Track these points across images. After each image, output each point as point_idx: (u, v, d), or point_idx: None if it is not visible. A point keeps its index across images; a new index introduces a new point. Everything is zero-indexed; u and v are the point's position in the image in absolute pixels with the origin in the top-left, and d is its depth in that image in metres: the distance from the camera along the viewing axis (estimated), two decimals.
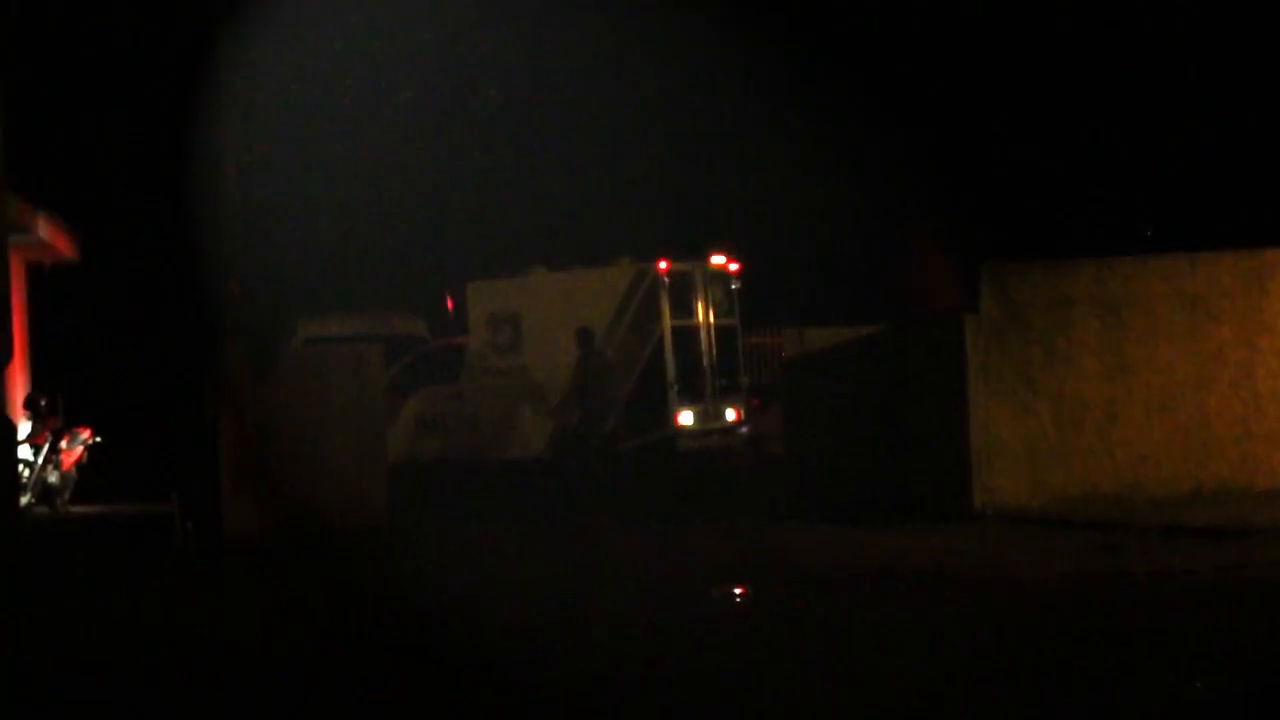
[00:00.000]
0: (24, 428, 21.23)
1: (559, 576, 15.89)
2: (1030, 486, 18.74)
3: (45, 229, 20.92)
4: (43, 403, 21.70)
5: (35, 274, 23.34)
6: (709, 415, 24.69)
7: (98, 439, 21.91)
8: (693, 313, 24.65)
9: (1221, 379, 19.06)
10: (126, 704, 10.95)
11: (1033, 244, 28.06)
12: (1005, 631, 12.08)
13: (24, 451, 20.80)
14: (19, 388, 22.05)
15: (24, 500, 20.56)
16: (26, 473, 21.06)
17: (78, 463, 21.74)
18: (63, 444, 21.54)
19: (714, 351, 24.78)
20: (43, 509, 21.34)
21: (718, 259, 25.29)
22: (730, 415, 25.04)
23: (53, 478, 21.46)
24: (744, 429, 25.45)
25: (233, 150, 19.90)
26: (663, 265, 24.20)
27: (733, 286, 25.22)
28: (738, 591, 14.81)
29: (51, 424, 21.57)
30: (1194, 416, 19.02)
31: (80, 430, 21.81)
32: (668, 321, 24.15)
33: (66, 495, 21.68)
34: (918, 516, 18.36)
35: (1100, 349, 19.01)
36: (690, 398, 24.31)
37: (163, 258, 26.32)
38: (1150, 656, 10.89)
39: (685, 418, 24.21)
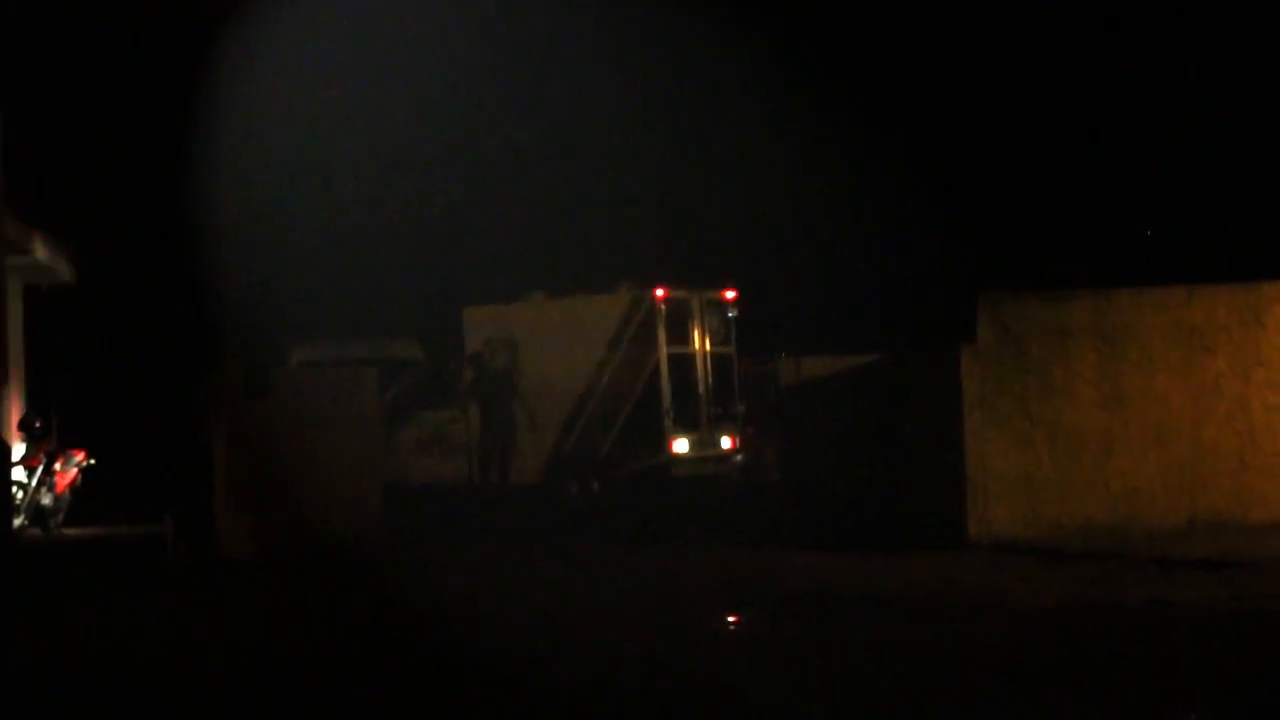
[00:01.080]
0: (18, 449, 21.18)
1: (549, 596, 15.89)
2: (1026, 516, 18.72)
3: (43, 250, 20.90)
4: (37, 424, 21.65)
5: (32, 296, 23.31)
6: (704, 443, 24.70)
7: (92, 461, 21.86)
8: (689, 340, 24.68)
9: (1217, 411, 19.06)
10: (119, 713, 10.95)
11: (1029, 271, 28.10)
12: (998, 657, 12.06)
13: (18, 473, 20.76)
14: (14, 409, 22.00)
15: (17, 522, 20.51)
16: (20, 495, 21.00)
17: (72, 485, 21.68)
18: (57, 466, 21.48)
19: (710, 379, 24.80)
20: (36, 531, 21.28)
21: (715, 287, 25.34)
22: (725, 443, 25.04)
23: (46, 500, 21.39)
24: (739, 457, 25.46)
25: (230, 175, 19.93)
26: (660, 293, 24.23)
27: (730, 314, 25.24)
28: (728, 614, 14.78)
29: (46, 446, 21.52)
30: (1189, 448, 19.00)
31: (74, 452, 21.76)
32: (664, 349, 24.19)
33: (60, 517, 21.61)
34: (913, 544, 18.33)
35: (1097, 380, 19.01)
36: (685, 425, 24.33)
37: (159, 281, 26.33)
38: (1143, 684, 10.87)
39: (680, 445, 24.23)
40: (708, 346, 24.94)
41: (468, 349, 25.41)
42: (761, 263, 32.25)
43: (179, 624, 14.43)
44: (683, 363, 24.56)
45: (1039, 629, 13.32)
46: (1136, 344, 19.07)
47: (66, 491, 21.65)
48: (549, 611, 14.65)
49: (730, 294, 25.44)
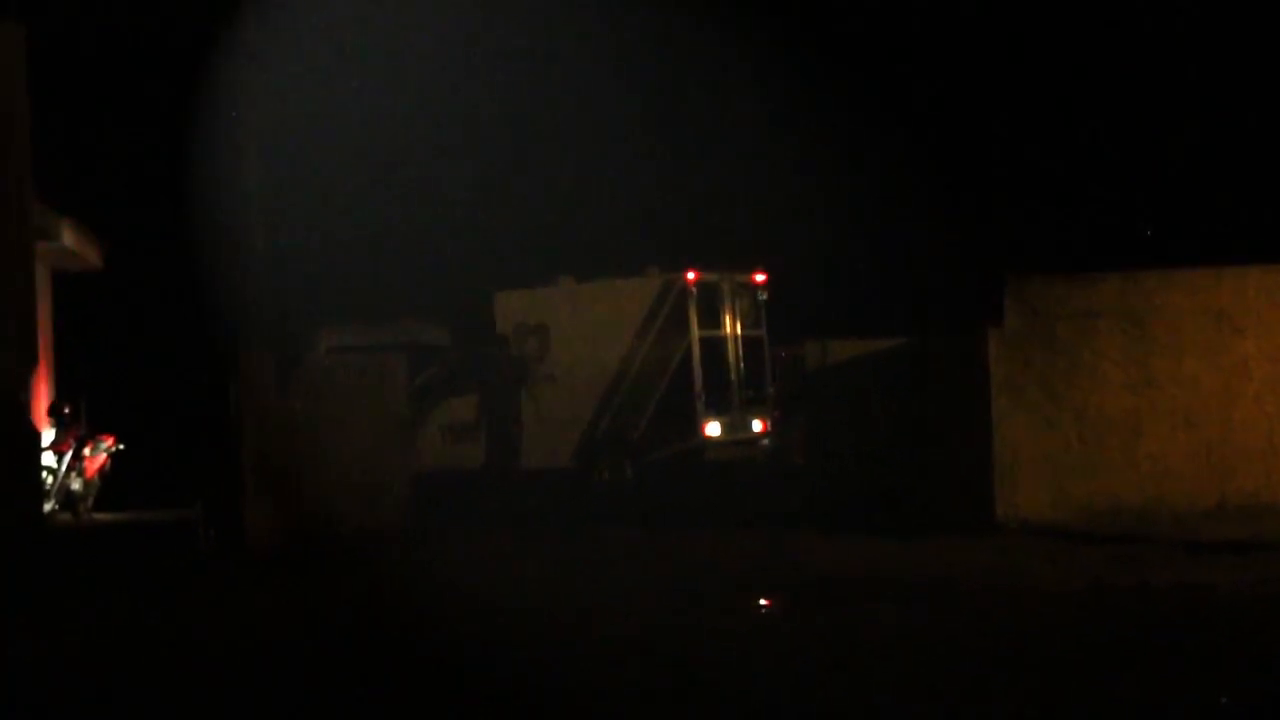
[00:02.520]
0: (48, 435, 21.26)
1: (572, 583, 15.89)
2: (1053, 499, 18.68)
3: (70, 236, 20.95)
4: (66, 410, 21.72)
5: (60, 281, 23.39)
6: (736, 426, 24.71)
7: (121, 446, 21.93)
8: (720, 324, 24.68)
9: (1246, 393, 18.99)
10: (134, 704, 10.98)
11: (1056, 253, 28.02)
12: (1025, 641, 12.04)
13: (47, 459, 20.83)
14: (43, 395, 22.07)
15: (47, 507, 20.58)
16: (50, 480, 21.08)
17: (101, 470, 21.75)
18: (86, 451, 21.56)
19: (741, 363, 24.80)
20: (66, 516, 21.35)
21: (745, 270, 25.35)
22: (756, 426, 25.04)
23: (76, 485, 21.47)
24: (766, 440, 25.47)
25: (255, 157, 19.96)
26: (690, 276, 24.24)
27: (760, 298, 25.24)
28: (754, 598, 14.78)
29: (75, 431, 21.59)
30: (1218, 430, 18.94)
31: (104, 437, 21.83)
32: (696, 332, 24.20)
33: (90, 502, 21.68)
34: (940, 528, 18.31)
35: (1124, 362, 18.96)
36: (718, 408, 24.35)
37: (187, 266, 26.36)
38: (1172, 668, 10.84)
39: (712, 428, 24.24)
40: (738, 329, 24.94)
41: (499, 333, 25.44)
42: (787, 247, 32.18)
43: (197, 622, 14.41)
44: (714, 346, 24.57)
45: (1066, 612, 13.28)
46: (1164, 326, 19.01)
47: (96, 477, 21.73)
48: (566, 605, 14.55)
49: (760, 277, 25.44)
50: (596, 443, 24.70)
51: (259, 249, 19.83)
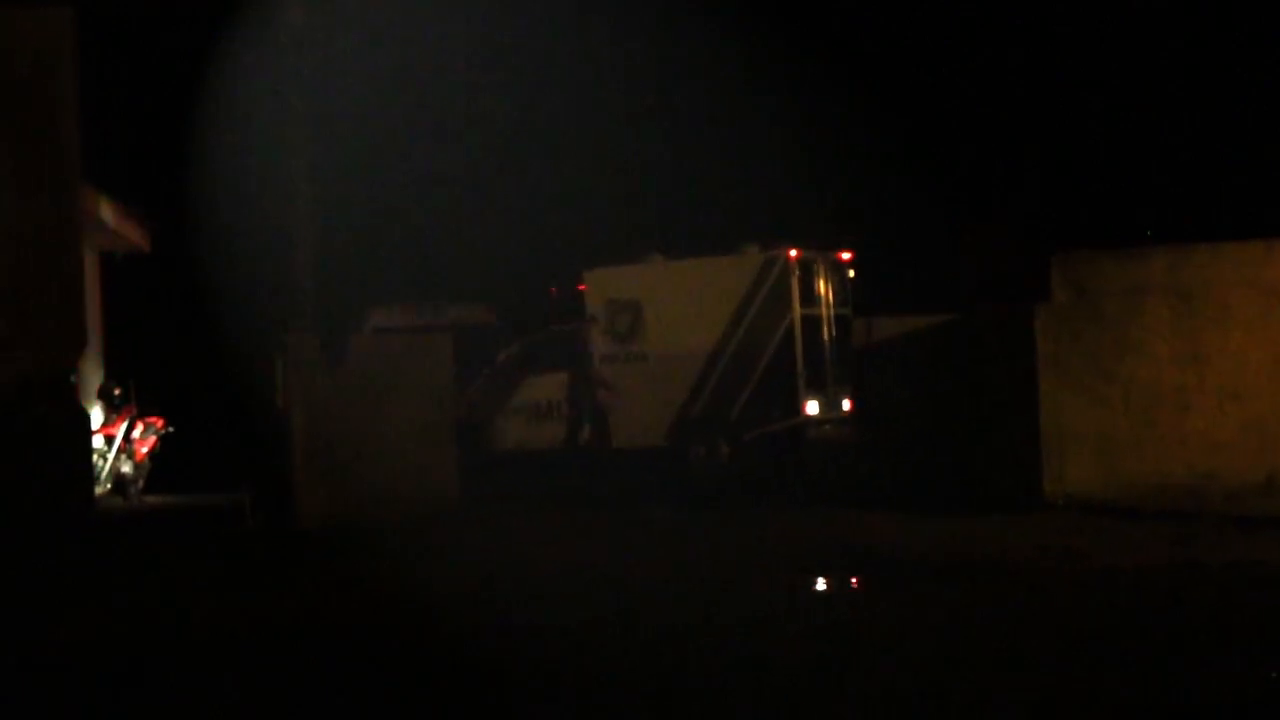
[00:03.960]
0: (97, 417, 21.39)
1: (600, 566, 15.75)
2: (1102, 475, 18.60)
3: (110, 213, 20.99)
4: (116, 392, 21.86)
5: (107, 263, 23.52)
6: (831, 404, 24.69)
7: (170, 429, 22.05)
8: (817, 302, 24.67)
9: None
10: (153, 684, 11.02)
11: (1103, 228, 27.86)
12: (1075, 620, 12.01)
13: (96, 441, 20.96)
14: (92, 377, 22.21)
15: (98, 490, 20.70)
16: (100, 463, 21.21)
17: (151, 452, 21.89)
18: (136, 433, 21.70)
19: (834, 340, 24.79)
20: (117, 499, 21.50)
21: (832, 248, 25.36)
22: (845, 405, 25.01)
23: (126, 467, 21.61)
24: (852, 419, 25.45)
25: (302, 139, 20.00)
26: (793, 253, 24.22)
27: (849, 275, 25.23)
28: (806, 579, 14.77)
29: (125, 413, 21.73)
30: (1269, 405, 18.80)
31: (153, 420, 21.96)
32: (798, 310, 24.18)
33: (140, 485, 21.83)
34: (989, 505, 18.26)
35: (1173, 337, 18.85)
36: (815, 387, 24.37)
37: (234, 248, 26.48)
38: (1222, 645, 10.80)
39: (812, 407, 24.26)
40: (832, 308, 24.93)
41: (588, 311, 25.47)
42: (829, 224, 32.11)
43: (239, 600, 14.41)
44: (812, 324, 24.54)
45: (1117, 591, 13.24)
46: (1213, 301, 18.87)
47: (146, 459, 21.88)
48: (588, 590, 14.41)
49: (847, 255, 25.45)
50: (691, 421, 24.66)
51: (306, 230, 19.88)
